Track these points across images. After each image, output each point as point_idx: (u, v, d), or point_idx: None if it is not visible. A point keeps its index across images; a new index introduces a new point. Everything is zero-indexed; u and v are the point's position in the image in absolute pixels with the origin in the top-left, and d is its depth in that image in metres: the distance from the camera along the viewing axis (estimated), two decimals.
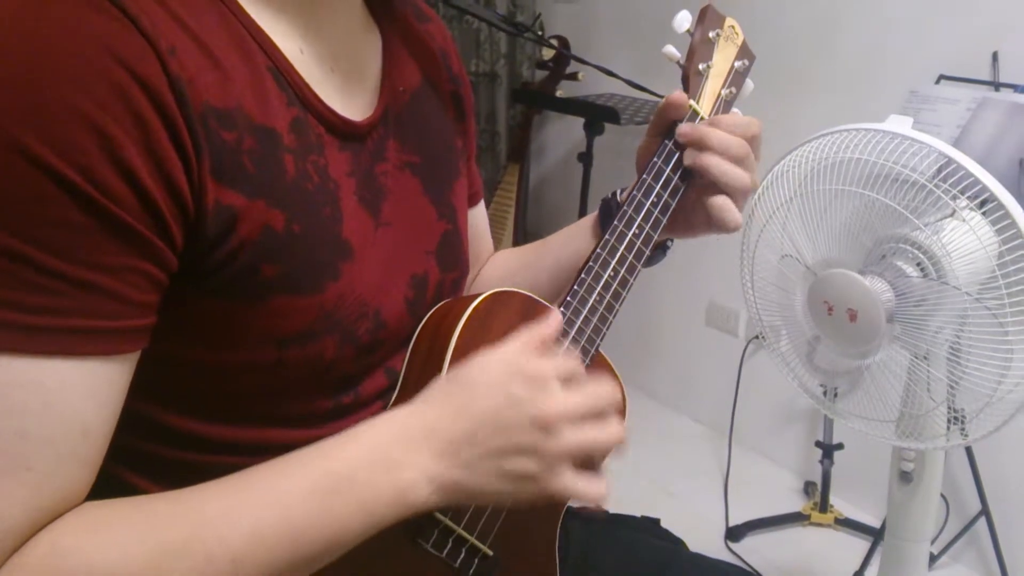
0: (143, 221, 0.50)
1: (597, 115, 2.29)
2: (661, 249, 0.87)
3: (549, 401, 0.58)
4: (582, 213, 2.37)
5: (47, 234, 0.47)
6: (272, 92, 0.58)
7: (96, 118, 0.47)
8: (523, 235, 2.72)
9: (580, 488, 0.60)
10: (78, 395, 0.49)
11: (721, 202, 0.74)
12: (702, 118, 0.78)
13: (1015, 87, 1.59)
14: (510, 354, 0.60)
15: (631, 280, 0.73)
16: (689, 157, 0.74)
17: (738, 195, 0.74)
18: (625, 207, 0.74)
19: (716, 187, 0.74)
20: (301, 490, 0.54)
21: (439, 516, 0.66)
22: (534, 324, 0.62)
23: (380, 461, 0.56)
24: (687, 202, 0.78)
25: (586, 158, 2.36)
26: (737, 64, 0.83)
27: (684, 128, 0.75)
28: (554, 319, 0.64)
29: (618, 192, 0.84)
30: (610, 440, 0.60)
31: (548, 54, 2.56)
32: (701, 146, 0.74)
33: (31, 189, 0.46)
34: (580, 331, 0.70)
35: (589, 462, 0.61)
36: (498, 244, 2.60)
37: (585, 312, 0.70)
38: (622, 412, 0.77)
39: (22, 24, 0.48)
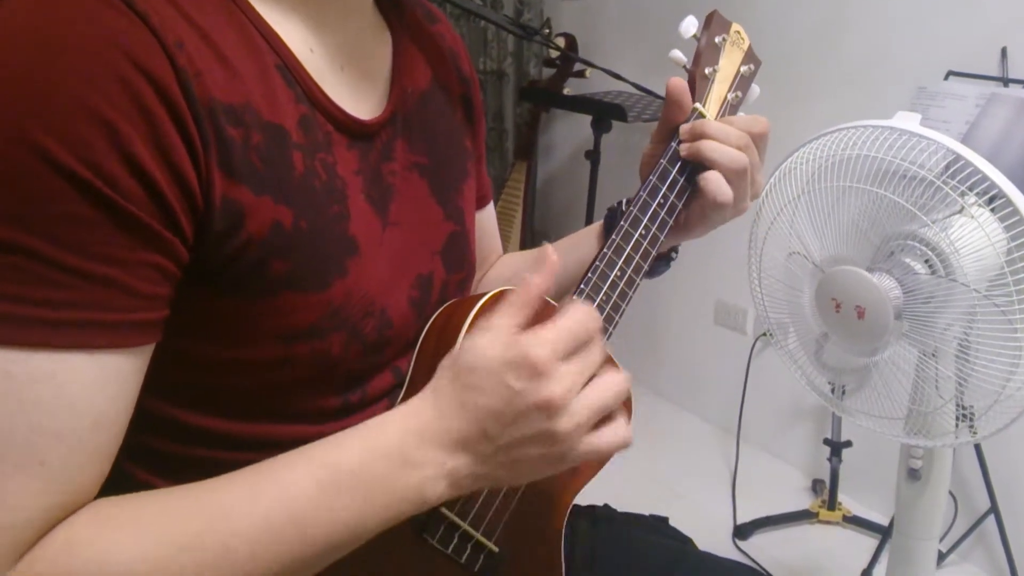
0: (152, 214, 0.50)
1: (604, 113, 2.29)
2: (665, 260, 0.88)
3: (549, 385, 0.54)
4: (589, 211, 2.37)
5: (58, 229, 0.47)
6: (280, 89, 0.58)
7: (104, 112, 0.47)
8: (530, 233, 2.72)
9: (606, 444, 0.57)
10: (91, 388, 0.49)
11: (712, 176, 0.74)
12: None
13: None
14: (497, 341, 0.55)
15: (637, 280, 0.73)
16: (685, 147, 0.75)
17: (733, 176, 0.75)
18: (631, 207, 0.74)
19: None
20: (314, 485, 0.54)
21: (445, 511, 0.66)
22: (514, 298, 0.58)
23: (395, 457, 0.55)
24: (693, 205, 0.78)
25: (593, 156, 2.36)
26: (743, 69, 0.83)
27: (686, 125, 0.76)
28: (536, 281, 0.58)
29: (623, 203, 0.85)
30: (619, 390, 0.57)
31: (555, 52, 2.56)
32: (700, 137, 0.75)
33: (41, 184, 0.47)
34: None
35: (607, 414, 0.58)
36: (505, 242, 2.61)
37: None
38: (628, 411, 0.77)
39: (32, 20, 0.48)
